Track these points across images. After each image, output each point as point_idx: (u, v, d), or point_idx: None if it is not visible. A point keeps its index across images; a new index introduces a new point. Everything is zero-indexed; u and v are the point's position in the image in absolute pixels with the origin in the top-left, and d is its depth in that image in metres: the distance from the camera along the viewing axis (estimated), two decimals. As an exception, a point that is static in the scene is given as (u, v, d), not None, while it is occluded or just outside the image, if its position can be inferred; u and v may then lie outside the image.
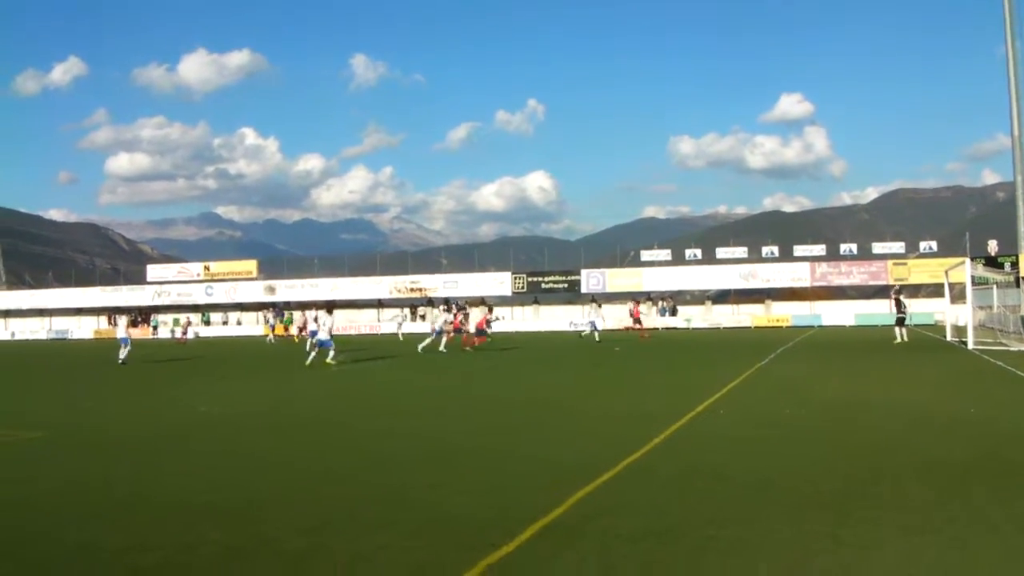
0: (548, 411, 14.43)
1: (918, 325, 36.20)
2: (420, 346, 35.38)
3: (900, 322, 37.41)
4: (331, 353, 27.91)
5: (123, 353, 31.31)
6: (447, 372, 25.10)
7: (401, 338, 45.47)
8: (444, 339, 35.83)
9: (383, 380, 23.04)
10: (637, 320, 50.61)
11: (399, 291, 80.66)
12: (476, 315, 41.40)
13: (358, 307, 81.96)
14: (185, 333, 66.21)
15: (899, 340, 35.38)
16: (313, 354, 28.49)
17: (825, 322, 67.44)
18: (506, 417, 13.84)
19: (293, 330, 55.11)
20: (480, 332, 37.97)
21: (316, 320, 30.66)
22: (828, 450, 10.00)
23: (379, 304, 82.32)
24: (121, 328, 34.43)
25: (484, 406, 15.81)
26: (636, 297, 69.11)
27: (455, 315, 39.66)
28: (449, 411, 14.99)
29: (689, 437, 11.12)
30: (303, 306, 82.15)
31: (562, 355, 32.79)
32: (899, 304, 38.84)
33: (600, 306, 51.91)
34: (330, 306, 32.35)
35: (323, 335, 28.52)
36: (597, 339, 37.74)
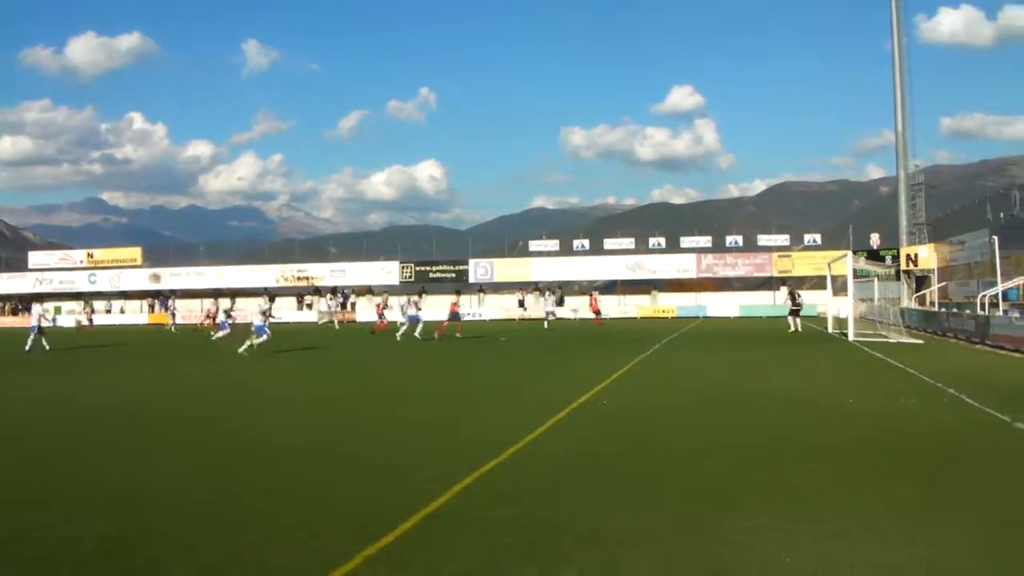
0: (435, 404, 14.29)
1: (801, 316, 37.11)
2: (398, 334, 34.95)
3: (795, 313, 38.84)
4: (260, 339, 27.39)
5: (30, 342, 30.47)
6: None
7: (337, 327, 44.55)
8: (420, 326, 35.58)
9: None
10: (597, 312, 53.58)
11: (287, 280, 79.28)
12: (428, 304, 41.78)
13: (245, 295, 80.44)
14: (91, 320, 64.42)
15: (793, 329, 36.76)
16: (249, 343, 27.64)
17: (710, 313, 68.32)
18: (398, 412, 13.65)
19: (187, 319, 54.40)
20: (454, 316, 37.51)
21: (261, 311, 29.37)
22: (712, 439, 10.08)
23: (266, 292, 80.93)
24: (34, 316, 33.03)
25: (374, 402, 15.59)
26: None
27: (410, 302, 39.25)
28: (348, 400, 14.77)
29: (572, 426, 11.09)
30: (191, 295, 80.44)
31: (462, 346, 32.69)
32: (794, 297, 40.52)
33: (421, 297, 52.35)
34: (270, 294, 32.72)
35: (258, 320, 28.01)
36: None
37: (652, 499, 7.20)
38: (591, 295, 60.19)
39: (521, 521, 6.58)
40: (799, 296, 40.94)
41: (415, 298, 38.71)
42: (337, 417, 12.71)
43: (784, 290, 61.14)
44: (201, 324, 52.40)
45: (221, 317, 35.35)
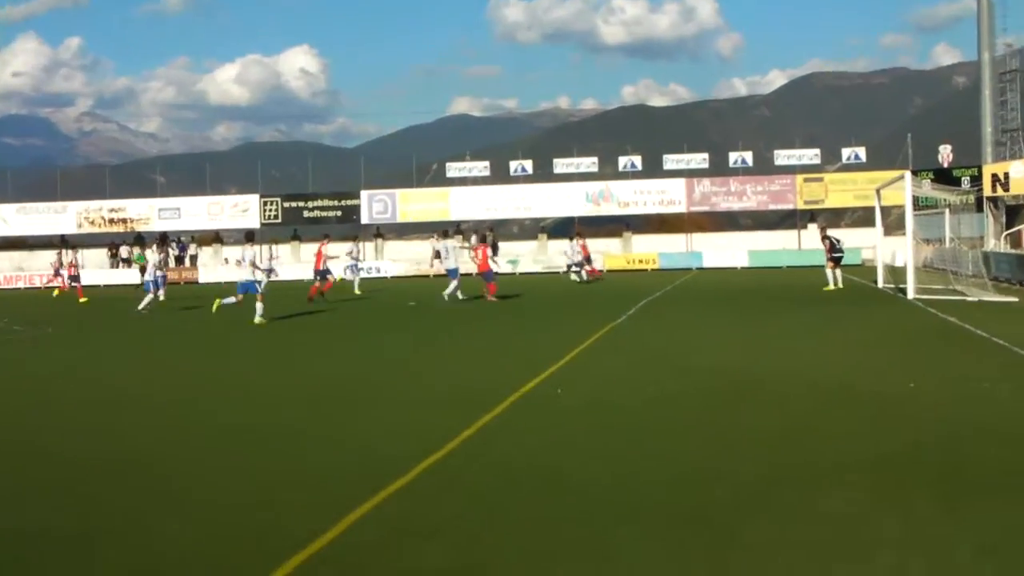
0: (324, 400, 14.24)
1: (842, 267, 36.63)
2: (445, 292, 35.76)
3: (836, 262, 37.91)
4: (259, 306, 27.99)
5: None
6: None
7: (358, 291, 43.86)
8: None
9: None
10: (587, 258, 53.72)
11: (92, 223, 78.37)
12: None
13: (29, 247, 79.43)
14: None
15: (832, 286, 36.28)
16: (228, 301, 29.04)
17: (708, 263, 68.14)
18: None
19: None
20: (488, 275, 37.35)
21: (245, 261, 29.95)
22: (710, 443, 10.12)
23: (63, 243, 79.84)
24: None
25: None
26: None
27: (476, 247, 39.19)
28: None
29: (511, 428, 11.12)
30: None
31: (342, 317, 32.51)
32: (831, 240, 39.09)
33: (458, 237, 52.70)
34: (249, 233, 33.86)
35: (246, 272, 28.86)
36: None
37: (625, 531, 7.18)
38: (578, 236, 58.51)
39: (443, 568, 6.55)
40: (838, 240, 39.58)
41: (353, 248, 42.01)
42: (143, 428, 12.58)
43: (814, 228, 61.19)
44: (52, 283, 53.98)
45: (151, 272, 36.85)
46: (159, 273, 36.36)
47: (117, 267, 74.83)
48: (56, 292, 50.39)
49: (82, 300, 43.55)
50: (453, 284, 35.55)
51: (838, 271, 37.67)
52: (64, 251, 61.36)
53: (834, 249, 38.23)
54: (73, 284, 47.04)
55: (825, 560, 6.42)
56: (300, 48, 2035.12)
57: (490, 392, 13.22)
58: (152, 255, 39.45)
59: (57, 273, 53.05)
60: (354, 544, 7.01)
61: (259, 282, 28.24)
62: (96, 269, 73.80)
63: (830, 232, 41.53)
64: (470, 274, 38.39)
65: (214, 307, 29.17)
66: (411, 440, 10.36)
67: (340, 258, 43.25)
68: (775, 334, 21.65)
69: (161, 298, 35.95)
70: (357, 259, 44.44)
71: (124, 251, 76.63)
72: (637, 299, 33.24)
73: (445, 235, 44.42)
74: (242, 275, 28.81)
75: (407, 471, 8.88)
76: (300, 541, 6.96)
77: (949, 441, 9.99)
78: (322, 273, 37.82)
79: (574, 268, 52.11)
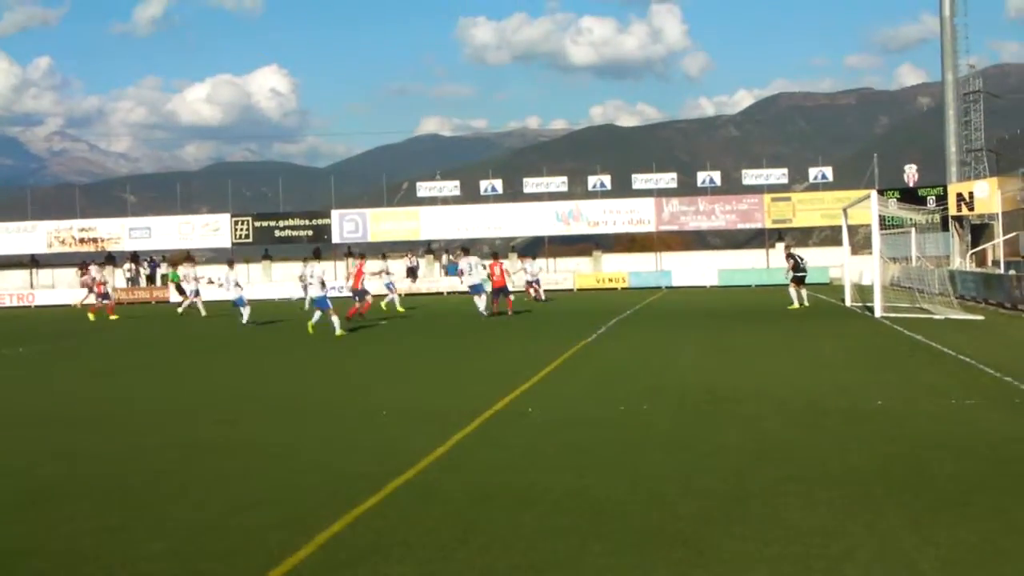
0: (305, 413, 14.25)
1: (807, 284, 36.49)
2: (481, 309, 36.45)
3: (800, 281, 37.75)
4: (335, 320, 29.87)
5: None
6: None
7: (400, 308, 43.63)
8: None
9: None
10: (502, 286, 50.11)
11: (63, 243, 77.94)
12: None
13: (0, 267, 79.05)
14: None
15: (797, 305, 36.34)
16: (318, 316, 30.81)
17: (677, 281, 68.22)
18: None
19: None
20: (502, 291, 37.62)
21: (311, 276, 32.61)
22: (682, 458, 10.20)
23: (33, 263, 79.49)
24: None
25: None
26: (413, 248, 68.87)
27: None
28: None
29: (484, 445, 11.16)
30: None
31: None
32: (794, 260, 38.58)
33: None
34: (316, 251, 37.04)
35: (316, 290, 31.05)
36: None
37: (597, 547, 7.21)
38: (521, 258, 58.54)
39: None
40: (802, 259, 39.16)
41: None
42: (123, 444, 12.56)
43: (781, 247, 61.35)
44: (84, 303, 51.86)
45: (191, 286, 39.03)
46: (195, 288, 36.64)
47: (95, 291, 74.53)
48: (91, 315, 45.46)
49: (112, 317, 43.50)
50: (481, 300, 36.09)
51: (803, 290, 37.66)
52: (93, 268, 58.05)
53: (798, 268, 38.05)
54: (104, 302, 45.74)
55: (794, 575, 6.48)
56: (270, 68, 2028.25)
57: (462, 410, 13.25)
58: (187, 271, 39.36)
59: (91, 290, 49.80)
60: (328, 561, 7.03)
61: (323, 296, 30.02)
62: (66, 288, 73.54)
63: (795, 251, 41.10)
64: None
65: (310, 328, 30.06)
66: (385, 457, 10.40)
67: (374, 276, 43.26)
68: (744, 352, 21.76)
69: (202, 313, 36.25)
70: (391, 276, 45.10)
71: (94, 270, 76.29)
72: (608, 318, 33.28)
73: (467, 252, 43.84)
74: (313, 292, 31.14)
75: (381, 487, 8.92)
76: (274, 558, 6.99)
77: (916, 456, 10.10)
78: (360, 293, 37.41)
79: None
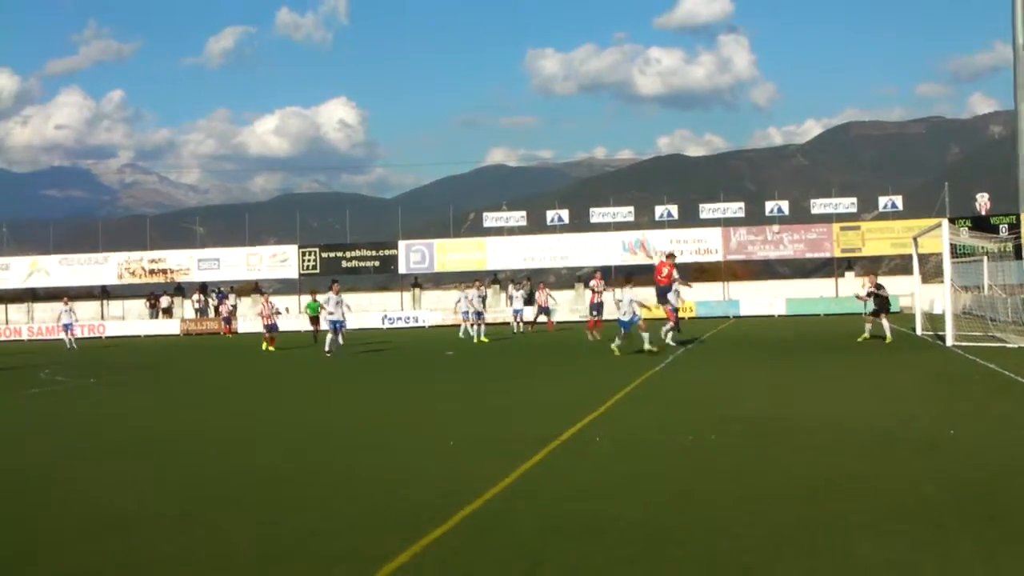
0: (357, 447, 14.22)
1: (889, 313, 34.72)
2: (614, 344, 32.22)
3: (881, 312, 34.83)
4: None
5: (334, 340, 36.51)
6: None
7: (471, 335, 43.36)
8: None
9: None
10: (596, 307, 46.81)
11: (133, 273, 78.79)
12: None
13: (72, 298, 79.85)
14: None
15: (878, 335, 33.96)
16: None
17: (744, 311, 67.97)
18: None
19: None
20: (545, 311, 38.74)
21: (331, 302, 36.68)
22: (750, 489, 10.07)
23: (104, 294, 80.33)
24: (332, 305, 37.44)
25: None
26: (480, 277, 68.85)
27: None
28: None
29: (551, 474, 11.08)
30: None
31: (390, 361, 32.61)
32: (878, 289, 35.57)
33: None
34: (334, 281, 39.31)
35: (336, 315, 35.72)
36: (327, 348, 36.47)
37: (659, 565, 7.15)
38: (597, 279, 55.87)
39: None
40: (883, 288, 36.18)
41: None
42: (190, 468, 12.59)
43: (851, 276, 60.59)
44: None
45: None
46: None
47: (157, 317, 75.26)
48: (265, 346, 43.61)
49: (269, 348, 42.48)
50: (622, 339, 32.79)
51: (885, 321, 34.79)
52: (265, 298, 54.96)
53: (878, 297, 35.34)
54: (271, 333, 44.25)
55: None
56: (338, 100, 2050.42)
57: (530, 438, 13.21)
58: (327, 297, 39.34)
59: (267, 318, 46.20)
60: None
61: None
62: (136, 320, 74.30)
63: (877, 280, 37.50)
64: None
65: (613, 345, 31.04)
66: (451, 486, 10.35)
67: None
68: (814, 382, 21.60)
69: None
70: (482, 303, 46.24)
71: (164, 301, 77.10)
72: (675, 348, 33.11)
73: (628, 281, 40.90)
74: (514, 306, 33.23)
75: (447, 518, 8.87)
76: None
77: (989, 487, 9.91)
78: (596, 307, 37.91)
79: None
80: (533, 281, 74.38)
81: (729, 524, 8.61)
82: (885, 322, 34.41)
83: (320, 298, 39.48)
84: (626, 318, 30.61)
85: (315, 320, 47.74)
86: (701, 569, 7.36)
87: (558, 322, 60.93)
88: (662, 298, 33.68)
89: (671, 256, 35.88)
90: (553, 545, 8.12)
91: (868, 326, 35.35)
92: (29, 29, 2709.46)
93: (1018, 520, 8.57)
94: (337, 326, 35.98)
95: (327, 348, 34.96)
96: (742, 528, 8.44)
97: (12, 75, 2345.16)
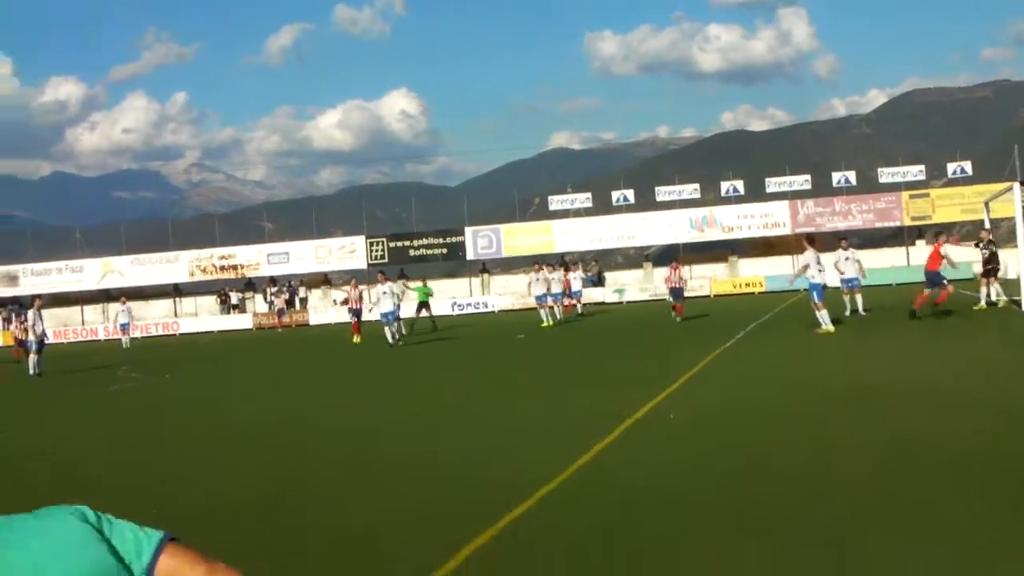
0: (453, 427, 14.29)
1: (952, 280, 32.82)
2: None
3: (993, 272, 33.50)
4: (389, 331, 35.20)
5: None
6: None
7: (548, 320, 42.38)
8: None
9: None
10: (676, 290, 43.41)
11: (204, 271, 79.27)
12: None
13: (145, 297, 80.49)
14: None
15: (984, 304, 32.93)
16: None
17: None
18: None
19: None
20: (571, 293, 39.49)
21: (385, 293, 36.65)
22: (827, 456, 10.04)
23: (176, 291, 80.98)
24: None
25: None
26: (549, 260, 68.53)
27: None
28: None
29: (626, 452, 11.08)
30: (63, 300, 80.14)
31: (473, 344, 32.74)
32: (989, 248, 33.97)
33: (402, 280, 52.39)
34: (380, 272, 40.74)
35: (387, 306, 35.66)
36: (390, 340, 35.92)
37: (748, 550, 7.10)
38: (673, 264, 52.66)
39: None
40: (993, 244, 34.36)
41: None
42: (275, 459, 12.68)
43: (922, 244, 59.76)
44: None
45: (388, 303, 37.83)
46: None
47: (228, 312, 75.77)
48: (356, 339, 41.44)
49: (355, 340, 40.39)
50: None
51: (994, 284, 33.59)
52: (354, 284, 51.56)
53: (989, 258, 33.60)
54: (354, 319, 42.44)
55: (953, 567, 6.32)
56: (400, 91, 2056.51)
57: (605, 416, 13.22)
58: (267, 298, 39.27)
59: (350, 310, 44.25)
60: (474, 574, 7.01)
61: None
62: (208, 316, 74.96)
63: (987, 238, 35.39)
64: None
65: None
66: (528, 467, 10.37)
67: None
68: (888, 350, 21.43)
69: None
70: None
71: (235, 297, 77.63)
72: (745, 323, 33.14)
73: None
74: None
75: (526, 498, 8.88)
76: (422, 572, 6.97)
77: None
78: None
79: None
80: (600, 262, 74.45)
81: (810, 491, 8.63)
82: (996, 284, 33.31)
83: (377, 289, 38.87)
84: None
85: (424, 305, 47.28)
86: (785, 537, 7.32)
87: (629, 302, 60.74)
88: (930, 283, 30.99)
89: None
90: (630, 521, 8.12)
91: (983, 289, 33.50)
92: (90, 38, 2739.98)
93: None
94: (388, 318, 35.16)
95: (390, 341, 34.61)
96: (822, 494, 8.47)
97: (79, 83, 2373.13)
